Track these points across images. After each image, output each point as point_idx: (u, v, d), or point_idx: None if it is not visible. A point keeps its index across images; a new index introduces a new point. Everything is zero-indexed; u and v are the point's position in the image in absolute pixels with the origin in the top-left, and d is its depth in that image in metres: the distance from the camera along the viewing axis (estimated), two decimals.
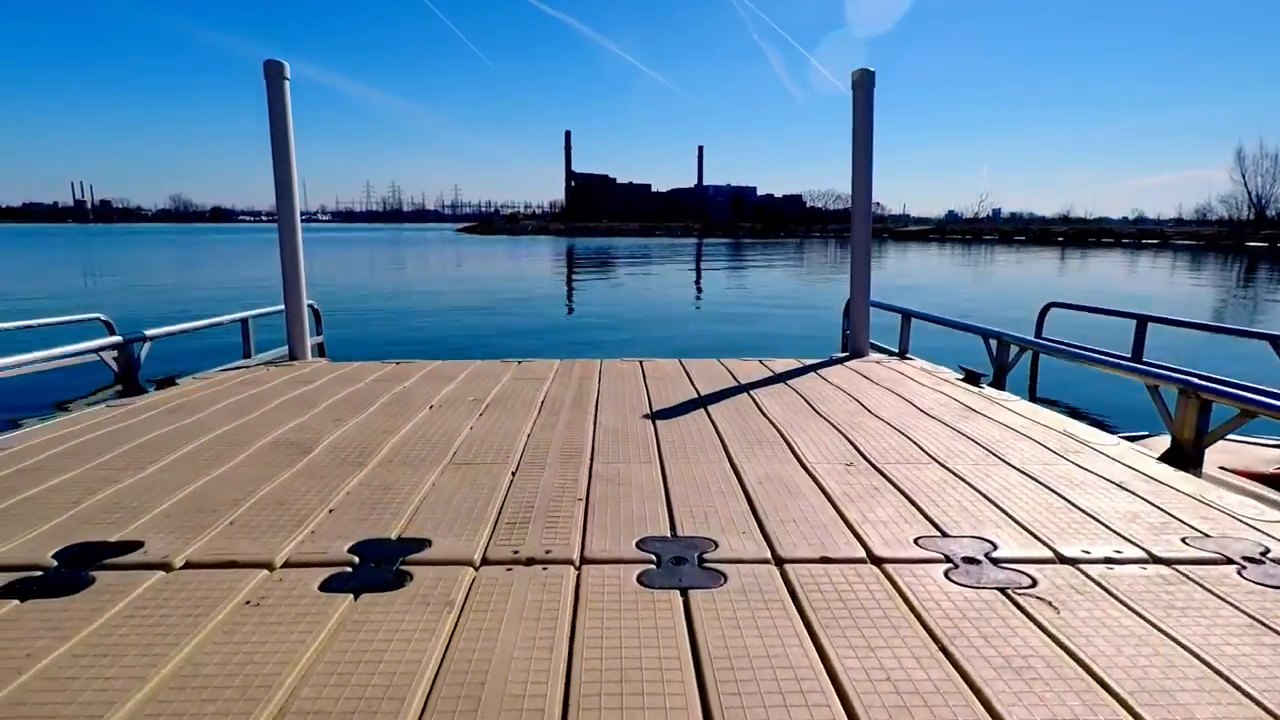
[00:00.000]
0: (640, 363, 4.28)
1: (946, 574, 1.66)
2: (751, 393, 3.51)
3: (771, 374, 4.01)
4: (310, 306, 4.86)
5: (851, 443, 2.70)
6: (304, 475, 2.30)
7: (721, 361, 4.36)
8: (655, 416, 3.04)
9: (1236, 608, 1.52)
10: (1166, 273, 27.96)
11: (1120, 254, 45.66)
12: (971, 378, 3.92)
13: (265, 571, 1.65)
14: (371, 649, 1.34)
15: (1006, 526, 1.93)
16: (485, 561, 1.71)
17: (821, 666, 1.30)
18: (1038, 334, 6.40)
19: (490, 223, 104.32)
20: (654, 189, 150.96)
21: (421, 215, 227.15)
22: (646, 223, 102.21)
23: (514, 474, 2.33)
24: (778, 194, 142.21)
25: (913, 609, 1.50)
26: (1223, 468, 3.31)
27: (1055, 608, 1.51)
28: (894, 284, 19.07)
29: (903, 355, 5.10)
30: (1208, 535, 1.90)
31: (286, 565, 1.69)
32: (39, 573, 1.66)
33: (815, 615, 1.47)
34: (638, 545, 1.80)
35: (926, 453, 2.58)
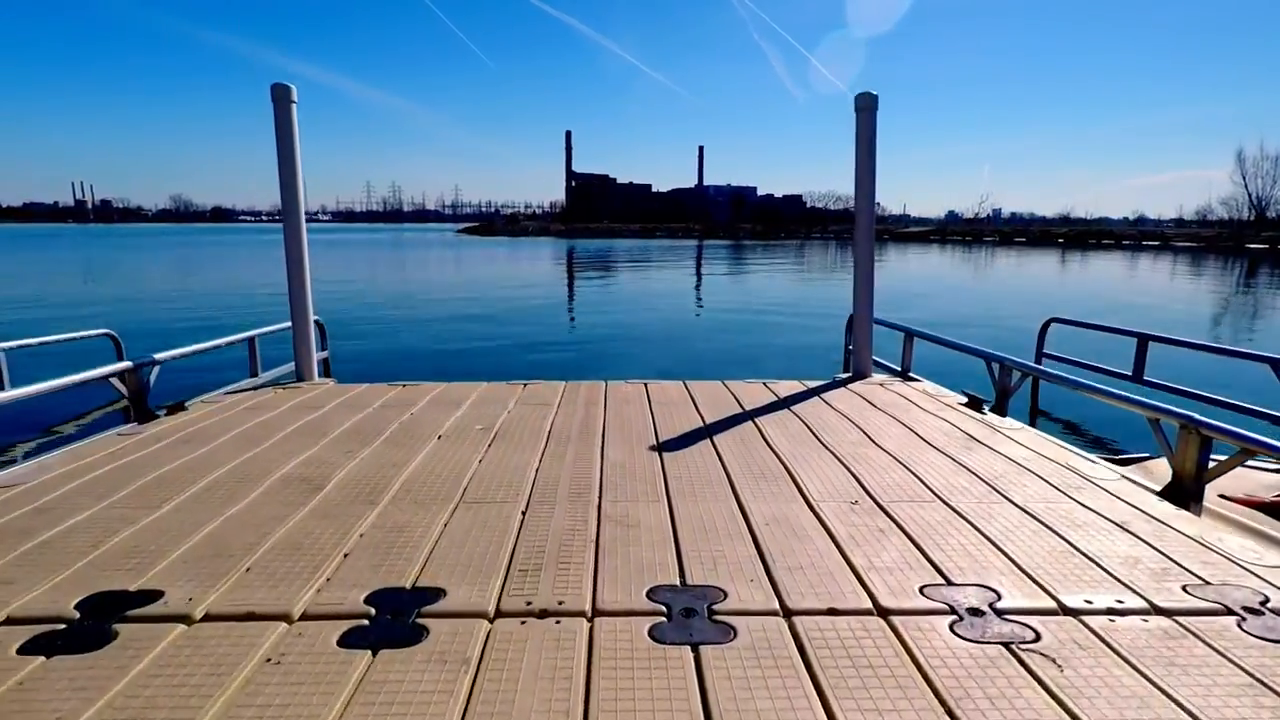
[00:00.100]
0: (645, 385, 4.31)
1: (952, 627, 1.69)
2: (756, 420, 3.54)
3: (775, 398, 4.04)
4: (316, 322, 4.90)
5: (855, 477, 2.74)
6: (317, 515, 2.34)
7: (726, 384, 4.39)
8: (661, 448, 3.08)
9: (1237, 665, 1.56)
10: (1167, 276, 27.98)
11: (1120, 256, 45.71)
12: (974, 403, 3.95)
13: (284, 624, 1.69)
14: (391, 713, 1.37)
15: (1010, 573, 1.97)
16: (499, 613, 1.74)
17: None
18: (1039, 349, 6.44)
19: (491, 224, 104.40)
20: (654, 189, 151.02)
21: (422, 215, 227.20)
22: (647, 224, 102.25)
23: (524, 513, 2.37)
24: (778, 194, 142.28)
25: (919, 667, 1.53)
26: (1223, 495, 3.34)
27: (1059, 665, 1.55)
28: (894, 287, 19.12)
29: (905, 374, 5.13)
30: (1208, 583, 1.93)
31: (304, 618, 1.73)
32: (62, 625, 1.69)
33: (824, 675, 1.50)
34: (648, 595, 1.83)
35: (930, 489, 2.61)
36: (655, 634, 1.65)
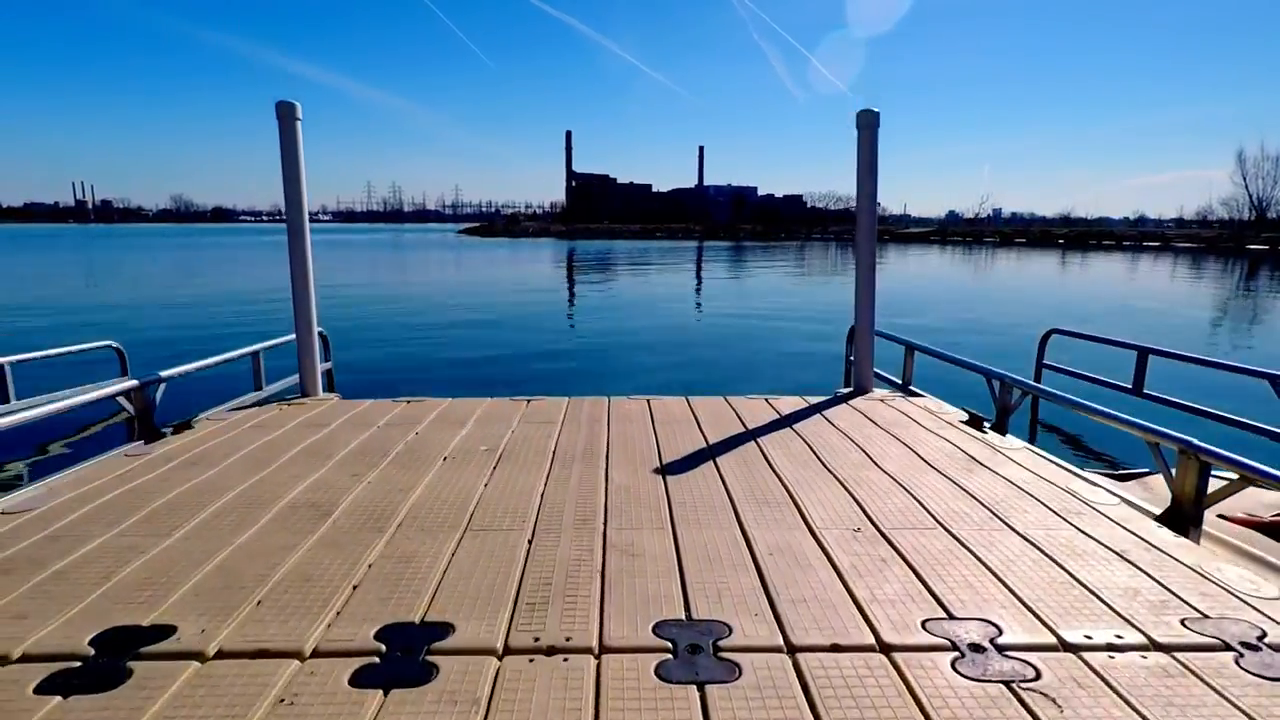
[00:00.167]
0: (648, 402, 4.33)
1: (953, 664, 1.72)
2: (758, 440, 3.57)
3: (777, 415, 4.07)
4: (319, 334, 4.92)
5: (858, 502, 2.76)
6: (326, 544, 2.36)
7: (728, 400, 4.42)
8: (665, 471, 3.10)
9: (1234, 704, 1.58)
10: (1168, 278, 27.99)
11: (1121, 257, 45.74)
12: (974, 421, 3.98)
13: (296, 662, 1.71)
14: None
15: (1010, 606, 1.99)
16: (508, 650, 1.77)
17: None
18: (1039, 360, 6.46)
19: (492, 225, 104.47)
20: (655, 189, 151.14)
21: (422, 215, 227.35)
22: (647, 224, 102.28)
23: (530, 541, 2.39)
24: (778, 194, 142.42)
25: (921, 708, 1.56)
26: (1221, 515, 3.37)
27: (1059, 706, 1.57)
28: (895, 289, 19.14)
29: (906, 388, 5.16)
30: (1206, 616, 1.96)
31: (316, 654, 1.75)
32: (78, 663, 1.72)
33: (828, 715, 1.53)
34: (654, 630, 1.86)
35: (931, 515, 2.64)
36: (662, 672, 1.68)
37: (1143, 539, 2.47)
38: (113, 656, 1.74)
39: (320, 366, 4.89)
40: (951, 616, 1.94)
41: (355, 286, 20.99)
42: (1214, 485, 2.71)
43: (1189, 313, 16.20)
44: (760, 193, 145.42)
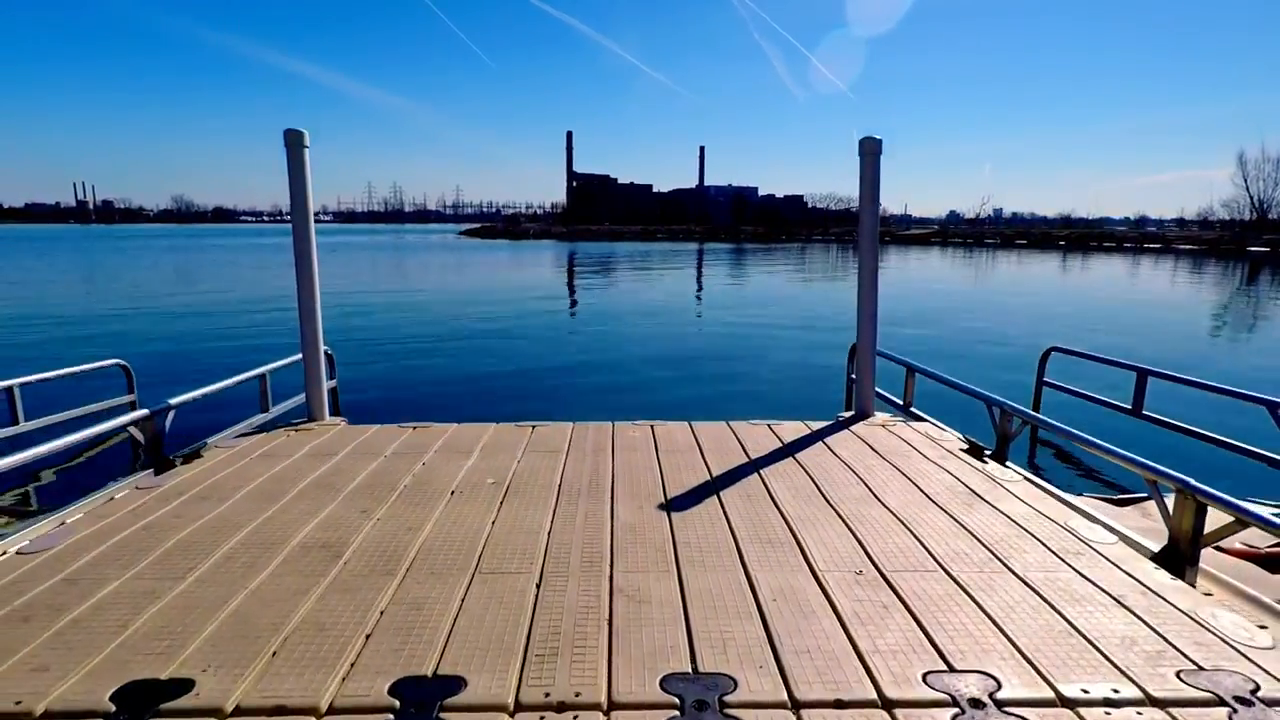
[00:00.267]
0: (652, 429, 4.38)
1: None
2: (761, 472, 3.61)
3: (779, 444, 4.11)
4: (325, 353, 4.96)
5: (859, 540, 2.81)
6: (338, 589, 2.41)
7: (730, 426, 4.46)
8: (670, 507, 3.15)
9: None
10: (1169, 283, 28.02)
11: (1121, 259, 45.77)
12: (974, 450, 4.02)
13: (312, 719, 1.76)
14: None
15: (1010, 657, 2.04)
16: (519, 706, 1.82)
17: None
18: (1039, 377, 6.52)
19: (492, 227, 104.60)
20: (655, 189, 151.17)
21: (423, 215, 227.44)
22: (648, 225, 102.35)
23: (538, 585, 2.44)
24: (779, 194, 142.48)
25: None
26: (1218, 546, 3.41)
27: None
28: (896, 293, 19.18)
29: (907, 409, 5.20)
30: (1201, 668, 2.00)
31: (332, 711, 1.80)
32: (99, 719, 1.77)
33: None
34: (662, 685, 1.90)
35: (932, 555, 2.69)
36: None
37: (1140, 582, 2.51)
38: (133, 713, 1.78)
39: (326, 385, 4.94)
40: (952, 669, 1.98)
41: (357, 293, 21.05)
42: (1211, 520, 2.75)
43: (1188, 321, 16.23)
44: (761, 193, 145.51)
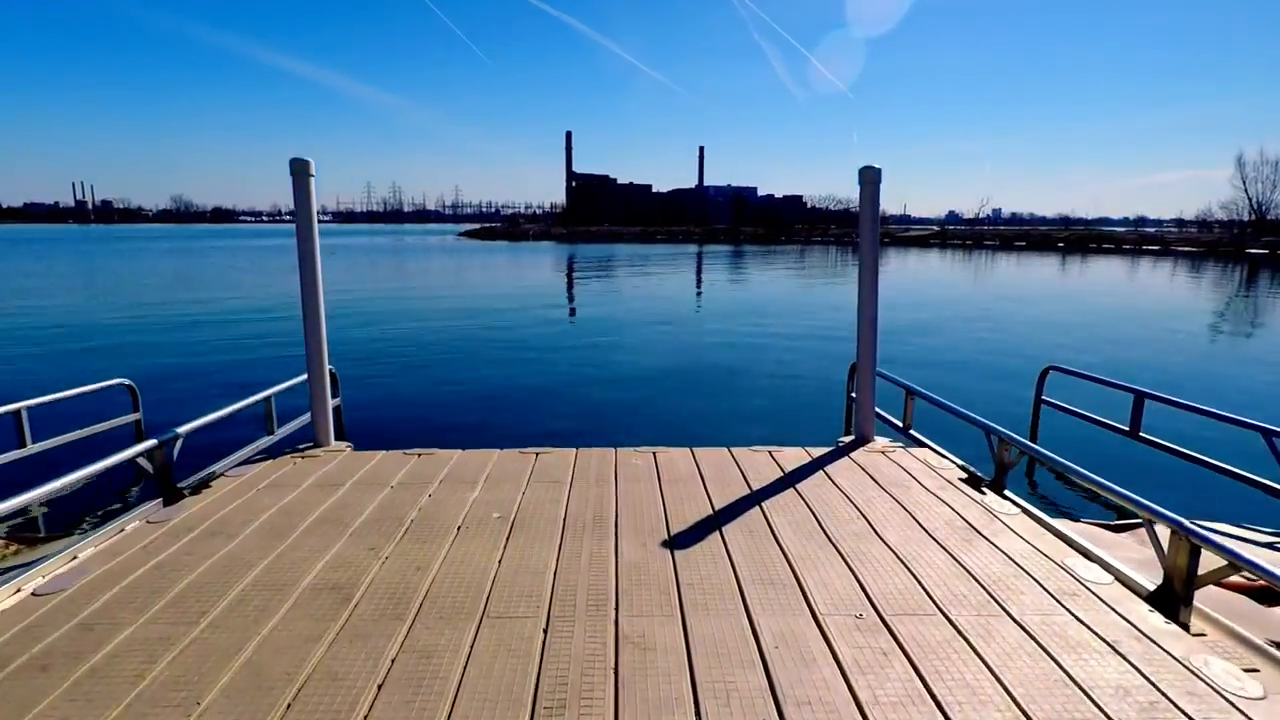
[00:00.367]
0: (654, 456, 4.43)
1: None
2: (762, 505, 3.66)
3: (780, 473, 4.16)
4: (329, 372, 5.00)
5: (859, 581, 2.86)
6: (349, 635, 2.46)
7: (731, 453, 4.51)
8: (674, 544, 3.20)
9: None
10: (1168, 287, 28.08)
11: (1120, 261, 45.86)
12: (973, 480, 4.07)
13: None
14: None
15: (1007, 709, 2.09)
16: None
17: None
18: (1037, 396, 6.57)
19: (492, 228, 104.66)
20: (655, 189, 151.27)
21: (422, 215, 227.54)
22: (647, 226, 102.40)
23: (545, 631, 2.49)
24: (778, 194, 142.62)
25: None
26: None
27: None
28: (900, 303, 19.23)
29: (907, 432, 5.26)
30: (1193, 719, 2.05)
31: None
32: None
33: None
34: None
35: (931, 598, 2.74)
36: None
37: (1134, 626, 2.56)
38: None
39: (330, 404, 4.99)
40: None
41: (359, 301, 21.08)
42: (1206, 560, 2.80)
43: (1187, 324, 16.28)
44: (760, 193, 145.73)
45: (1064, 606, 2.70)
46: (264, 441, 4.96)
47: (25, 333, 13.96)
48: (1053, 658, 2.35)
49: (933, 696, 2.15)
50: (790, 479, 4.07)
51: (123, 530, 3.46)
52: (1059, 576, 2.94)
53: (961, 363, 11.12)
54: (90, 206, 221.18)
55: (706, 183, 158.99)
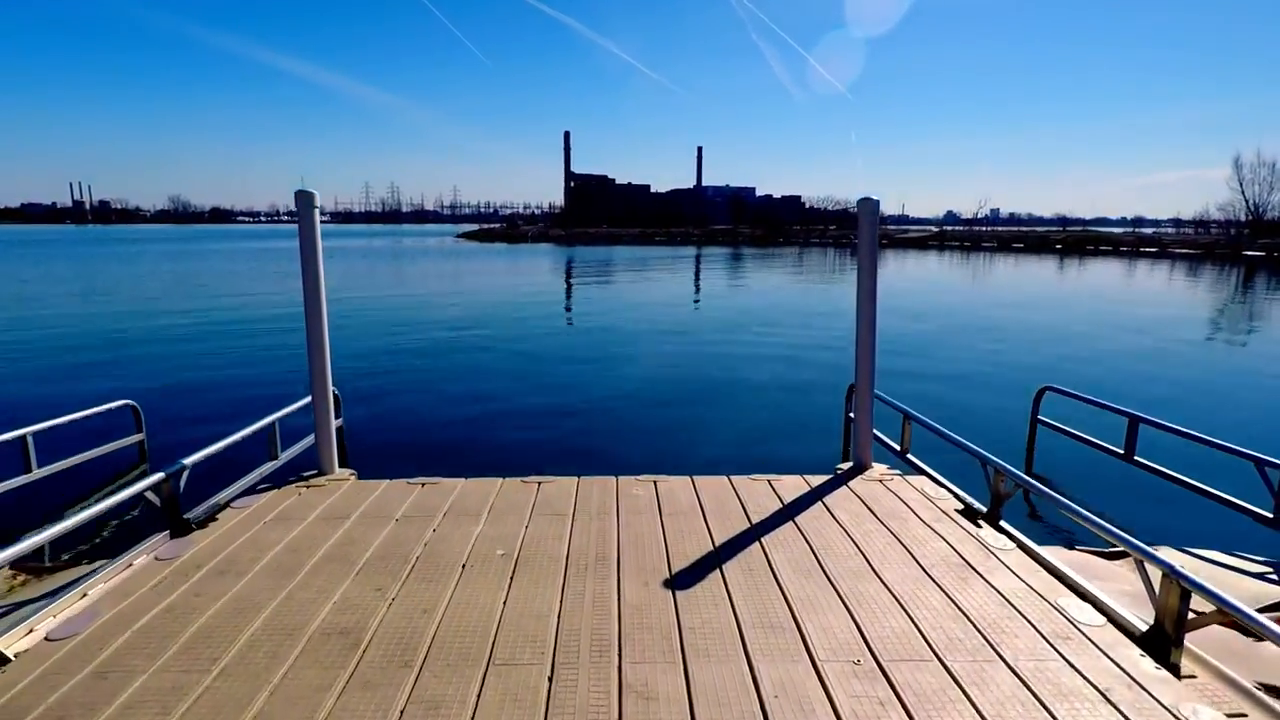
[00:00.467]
0: (655, 485, 4.49)
1: None
2: (762, 541, 3.72)
3: (780, 504, 4.23)
4: (333, 394, 5.06)
5: (857, 624, 2.92)
6: (359, 686, 2.51)
7: (731, 482, 4.57)
8: (675, 584, 3.26)
9: None
10: (1165, 291, 28.19)
11: (1118, 263, 45.97)
12: (969, 513, 4.13)
13: None
14: None
15: None
16: None
17: None
18: (1033, 416, 6.63)
19: (490, 230, 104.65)
20: (653, 189, 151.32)
21: (420, 216, 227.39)
22: (646, 228, 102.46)
23: (550, 679, 2.55)
24: (777, 194, 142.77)
25: None
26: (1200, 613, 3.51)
27: None
28: (901, 310, 19.29)
29: (903, 456, 5.33)
30: None
31: None
32: None
33: None
34: None
35: (927, 642, 2.80)
36: None
37: (1125, 672, 2.63)
38: None
39: (334, 425, 5.05)
40: None
41: (357, 309, 21.12)
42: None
43: (1188, 332, 16.36)
44: (759, 193, 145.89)
45: (1057, 651, 2.76)
46: (268, 467, 5.02)
47: (22, 347, 13.98)
48: (1045, 707, 2.42)
49: None
50: (789, 511, 4.13)
51: (131, 565, 3.51)
52: (1052, 618, 3.00)
53: (963, 376, 11.17)
54: (88, 207, 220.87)
55: (705, 183, 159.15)
